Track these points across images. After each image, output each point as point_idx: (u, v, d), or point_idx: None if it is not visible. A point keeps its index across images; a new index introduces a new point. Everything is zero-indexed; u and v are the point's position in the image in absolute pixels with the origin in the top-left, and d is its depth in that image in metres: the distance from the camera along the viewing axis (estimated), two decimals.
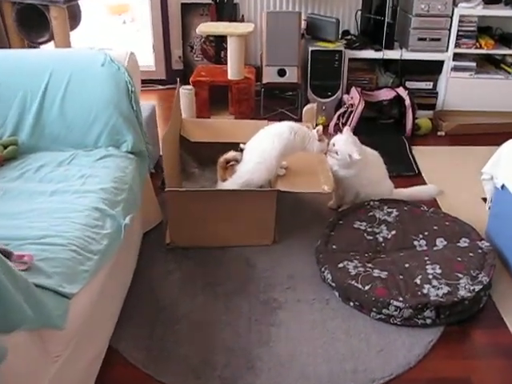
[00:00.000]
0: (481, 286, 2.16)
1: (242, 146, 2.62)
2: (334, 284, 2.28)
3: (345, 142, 2.67)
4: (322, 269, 2.35)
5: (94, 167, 2.22)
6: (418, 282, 2.19)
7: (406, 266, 2.29)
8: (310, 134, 2.58)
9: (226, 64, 3.97)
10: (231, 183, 2.57)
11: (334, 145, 2.69)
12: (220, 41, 4.52)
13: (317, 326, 2.15)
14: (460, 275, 2.20)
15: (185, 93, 3.64)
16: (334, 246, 2.45)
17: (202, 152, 3.03)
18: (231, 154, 2.62)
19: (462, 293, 2.12)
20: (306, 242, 2.61)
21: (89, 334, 1.76)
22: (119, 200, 2.07)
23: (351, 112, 3.84)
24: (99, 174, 2.17)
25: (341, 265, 2.31)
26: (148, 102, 3.42)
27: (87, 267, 1.69)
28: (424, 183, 3.23)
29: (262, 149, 2.52)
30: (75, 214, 1.87)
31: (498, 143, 2.59)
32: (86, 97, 2.37)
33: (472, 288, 2.14)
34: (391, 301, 2.09)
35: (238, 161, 2.60)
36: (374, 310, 2.15)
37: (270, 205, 2.52)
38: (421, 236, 2.50)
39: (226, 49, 3.95)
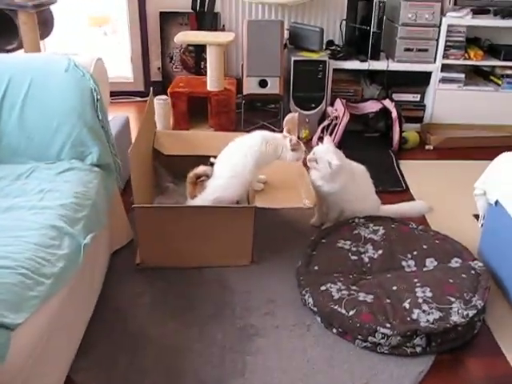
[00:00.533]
0: (475, 311, 2.01)
1: (212, 159, 2.48)
2: (315, 309, 2.12)
3: (325, 150, 2.55)
4: (303, 292, 2.19)
5: (54, 181, 2.06)
6: (407, 306, 2.04)
7: (394, 288, 2.14)
8: (282, 142, 2.45)
9: (206, 75, 3.82)
10: (201, 200, 2.42)
11: (313, 153, 2.57)
12: (200, 51, 4.38)
13: (296, 355, 1.98)
14: (452, 299, 2.05)
15: (159, 103, 3.48)
16: (315, 267, 2.29)
17: (177, 165, 2.85)
18: (201, 168, 2.47)
19: (455, 318, 1.97)
20: (287, 263, 2.46)
21: (40, 368, 1.57)
22: (80, 217, 1.91)
23: (335, 125, 3.71)
24: (60, 188, 2.01)
25: (323, 287, 2.15)
26: (121, 114, 3.25)
27: (37, 293, 1.52)
28: (412, 199, 3.10)
29: (235, 163, 2.39)
30: (29, 232, 1.72)
31: (488, 157, 2.50)
32: (47, 105, 2.21)
33: (465, 313, 2.00)
34: (378, 327, 1.95)
35: (208, 176, 2.45)
36: (359, 337, 1.99)
37: (248, 222, 2.36)
38: (409, 256, 2.35)
39: (206, 59, 3.80)
